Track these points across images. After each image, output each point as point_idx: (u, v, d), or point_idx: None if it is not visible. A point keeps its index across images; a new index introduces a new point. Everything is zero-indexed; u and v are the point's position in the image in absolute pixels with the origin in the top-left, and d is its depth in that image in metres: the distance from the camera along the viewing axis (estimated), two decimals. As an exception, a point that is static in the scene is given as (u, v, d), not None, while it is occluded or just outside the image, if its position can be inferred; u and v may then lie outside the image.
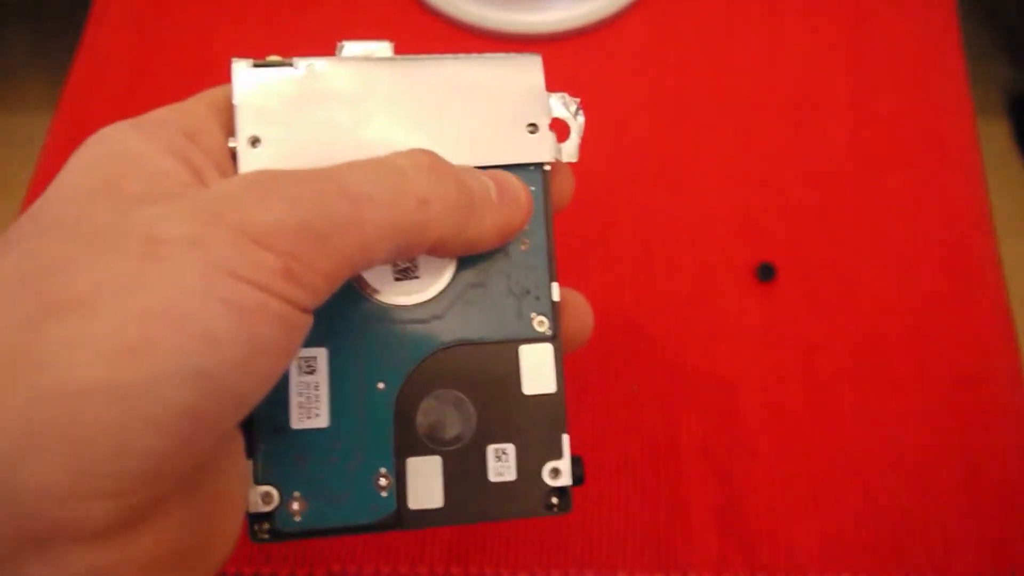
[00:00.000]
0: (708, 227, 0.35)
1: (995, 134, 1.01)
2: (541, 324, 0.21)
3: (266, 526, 0.20)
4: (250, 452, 0.19)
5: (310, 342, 0.20)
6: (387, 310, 0.21)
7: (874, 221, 0.35)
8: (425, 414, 0.21)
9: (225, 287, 0.15)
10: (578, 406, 0.32)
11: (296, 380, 0.20)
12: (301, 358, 0.20)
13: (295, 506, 0.20)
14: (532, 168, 0.22)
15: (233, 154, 0.20)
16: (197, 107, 0.20)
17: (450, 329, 0.21)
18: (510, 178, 0.21)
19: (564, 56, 0.38)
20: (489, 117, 0.22)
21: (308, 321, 0.17)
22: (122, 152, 0.18)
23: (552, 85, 0.35)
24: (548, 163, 0.22)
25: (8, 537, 0.14)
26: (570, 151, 0.23)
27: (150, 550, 0.16)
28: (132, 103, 0.38)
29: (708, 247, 0.34)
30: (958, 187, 0.36)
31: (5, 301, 0.15)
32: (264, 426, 0.20)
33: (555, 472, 0.21)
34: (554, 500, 0.21)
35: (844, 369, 0.33)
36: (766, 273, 0.34)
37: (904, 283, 0.34)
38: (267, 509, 0.19)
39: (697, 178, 0.36)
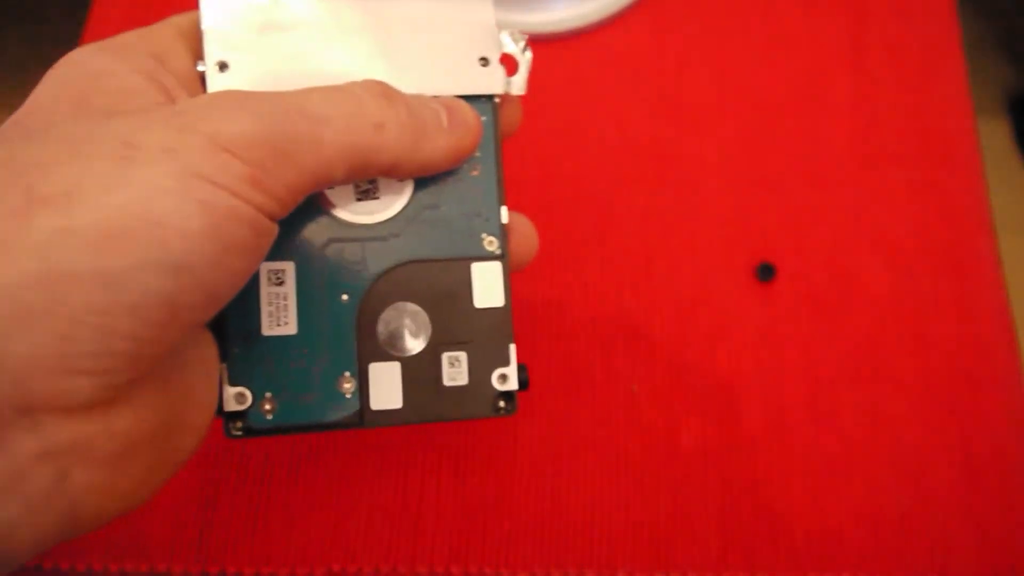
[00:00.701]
0: (708, 227, 0.35)
1: (995, 134, 1.01)
2: (491, 244, 0.23)
3: (239, 424, 0.21)
4: (224, 356, 0.21)
5: (279, 256, 0.22)
6: (350, 228, 0.22)
7: (874, 221, 0.35)
8: (385, 324, 0.22)
9: (199, 189, 0.17)
10: (578, 406, 0.32)
11: (266, 291, 0.22)
12: (271, 271, 0.22)
13: (266, 406, 0.21)
14: (483, 100, 0.23)
15: (202, 78, 0.22)
16: (164, 31, 0.22)
17: (408, 247, 0.23)
18: (460, 104, 0.22)
19: (564, 56, 0.38)
20: (444, 51, 0.23)
21: (274, 230, 0.19)
22: (91, 71, 0.20)
23: (552, 85, 0.35)
24: (498, 95, 0.24)
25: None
26: (519, 84, 0.24)
27: (127, 428, 0.18)
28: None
29: (708, 247, 0.34)
30: (958, 187, 0.36)
31: None
32: (237, 333, 0.21)
33: (503, 378, 0.23)
34: (501, 404, 0.23)
35: (844, 369, 0.33)
36: (766, 273, 0.34)
37: (904, 283, 0.34)
38: (240, 408, 0.21)
39: (697, 178, 0.36)
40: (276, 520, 0.30)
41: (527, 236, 0.25)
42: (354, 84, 0.20)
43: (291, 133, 0.18)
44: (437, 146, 0.21)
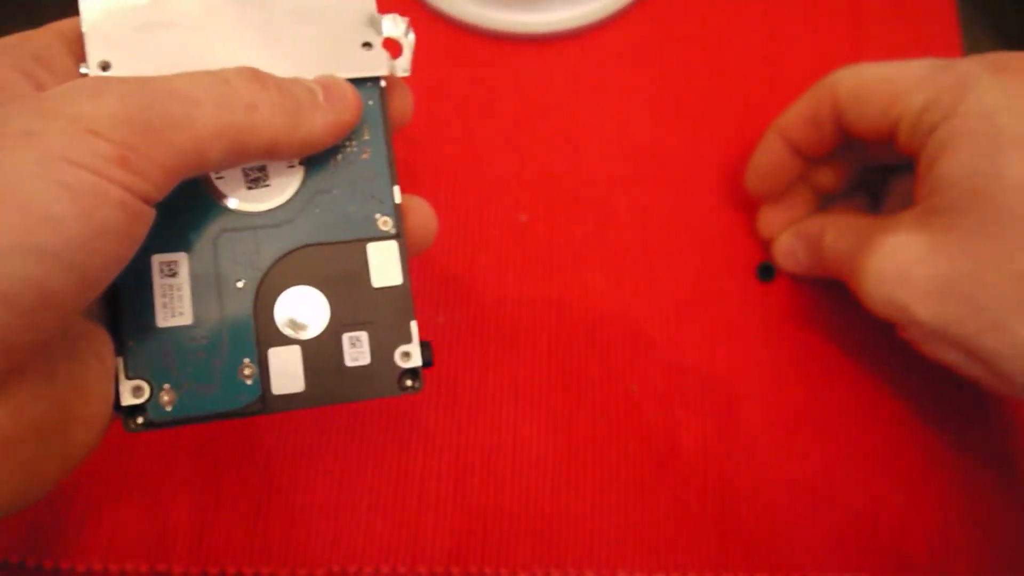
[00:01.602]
0: (708, 227, 0.35)
1: (995, 134, 1.00)
2: (385, 224, 0.23)
3: (140, 419, 0.21)
4: (119, 350, 0.21)
5: (171, 248, 0.22)
6: (242, 217, 0.22)
7: (874, 221, 0.35)
8: (282, 308, 0.22)
9: (63, 172, 0.16)
10: (577, 405, 0.32)
11: (159, 283, 0.22)
12: (163, 262, 0.22)
13: (165, 397, 0.21)
14: (369, 84, 0.24)
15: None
16: (44, 34, 0.22)
17: (302, 232, 0.23)
18: (336, 80, 0.23)
19: (564, 56, 0.38)
20: (327, 38, 0.24)
21: (150, 214, 0.19)
22: None
23: (552, 85, 0.34)
24: (383, 77, 0.24)
25: None
26: (403, 65, 0.24)
27: (6, 421, 0.17)
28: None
29: (708, 247, 0.34)
30: (958, 187, 0.36)
31: None
32: (132, 325, 0.21)
33: (406, 355, 0.23)
34: (407, 382, 0.23)
35: (844, 369, 0.33)
36: (766, 273, 0.34)
37: (904, 283, 0.34)
38: (138, 401, 0.21)
39: (697, 178, 0.36)
40: (276, 520, 0.30)
41: (425, 218, 0.25)
42: (223, 69, 0.20)
43: (160, 111, 0.18)
44: (315, 123, 0.21)
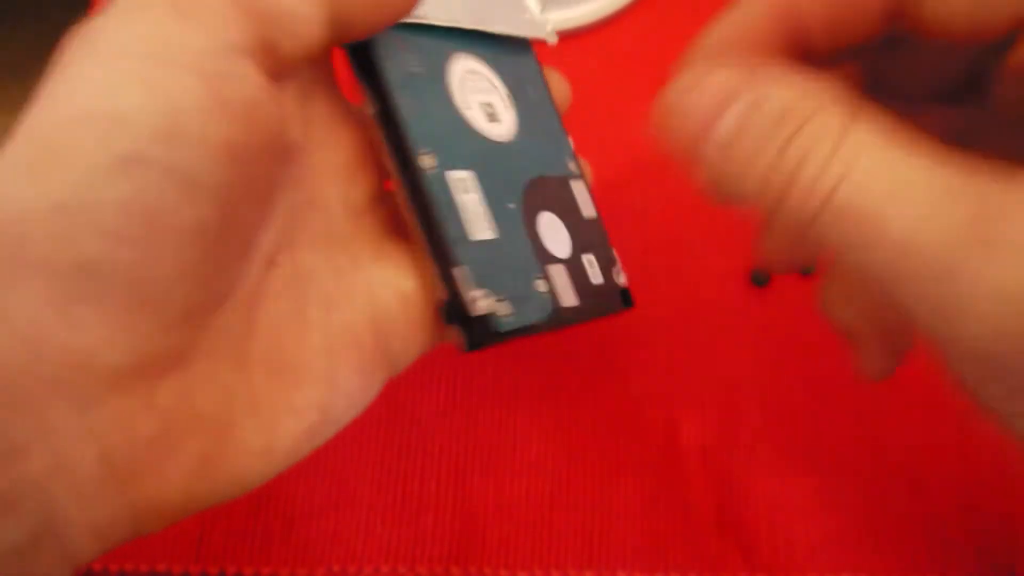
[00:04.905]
0: (709, 227, 0.35)
1: (995, 134, 1.00)
2: (574, 166, 0.26)
3: (483, 333, 0.20)
4: (454, 261, 0.20)
5: (460, 165, 0.22)
6: (495, 145, 0.23)
7: (874, 221, 0.35)
8: (543, 229, 0.23)
9: (141, 65, 0.15)
10: (578, 406, 0.32)
11: (460, 198, 0.21)
12: (457, 179, 0.21)
13: (503, 309, 0.21)
14: (524, 46, 0.26)
15: None
16: None
17: (534, 164, 0.24)
18: None
19: (564, 56, 0.38)
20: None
21: (249, 76, 0.16)
22: None
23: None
24: (532, 39, 0.26)
25: (27, 381, 0.14)
26: (551, 31, 0.27)
27: (170, 404, 0.16)
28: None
29: (708, 247, 0.34)
30: (958, 187, 0.36)
31: None
32: (455, 237, 0.20)
33: (619, 274, 0.25)
34: (624, 301, 0.25)
35: (844, 369, 0.33)
36: (760, 280, 0.34)
37: (904, 283, 0.34)
38: (489, 312, 0.20)
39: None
40: (276, 520, 0.30)
41: (555, 82, 0.27)
42: None
43: None
44: None
